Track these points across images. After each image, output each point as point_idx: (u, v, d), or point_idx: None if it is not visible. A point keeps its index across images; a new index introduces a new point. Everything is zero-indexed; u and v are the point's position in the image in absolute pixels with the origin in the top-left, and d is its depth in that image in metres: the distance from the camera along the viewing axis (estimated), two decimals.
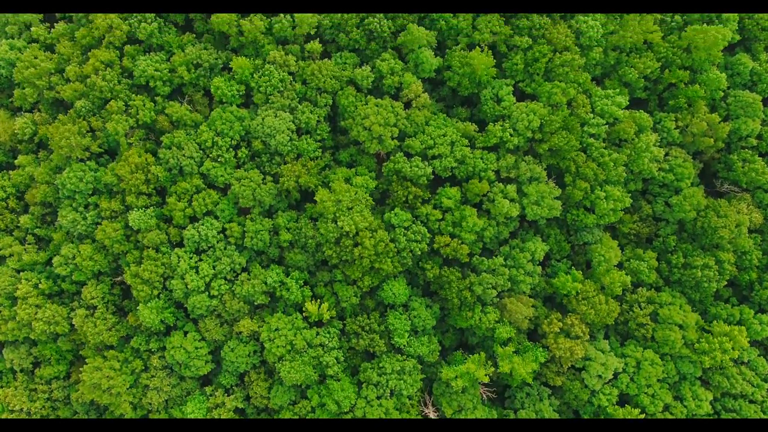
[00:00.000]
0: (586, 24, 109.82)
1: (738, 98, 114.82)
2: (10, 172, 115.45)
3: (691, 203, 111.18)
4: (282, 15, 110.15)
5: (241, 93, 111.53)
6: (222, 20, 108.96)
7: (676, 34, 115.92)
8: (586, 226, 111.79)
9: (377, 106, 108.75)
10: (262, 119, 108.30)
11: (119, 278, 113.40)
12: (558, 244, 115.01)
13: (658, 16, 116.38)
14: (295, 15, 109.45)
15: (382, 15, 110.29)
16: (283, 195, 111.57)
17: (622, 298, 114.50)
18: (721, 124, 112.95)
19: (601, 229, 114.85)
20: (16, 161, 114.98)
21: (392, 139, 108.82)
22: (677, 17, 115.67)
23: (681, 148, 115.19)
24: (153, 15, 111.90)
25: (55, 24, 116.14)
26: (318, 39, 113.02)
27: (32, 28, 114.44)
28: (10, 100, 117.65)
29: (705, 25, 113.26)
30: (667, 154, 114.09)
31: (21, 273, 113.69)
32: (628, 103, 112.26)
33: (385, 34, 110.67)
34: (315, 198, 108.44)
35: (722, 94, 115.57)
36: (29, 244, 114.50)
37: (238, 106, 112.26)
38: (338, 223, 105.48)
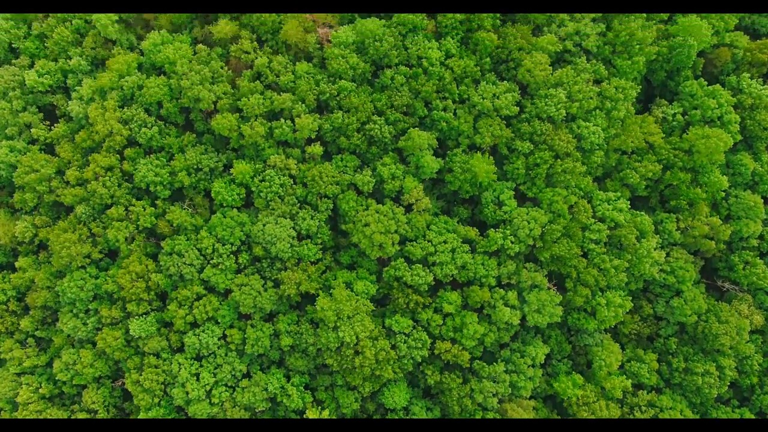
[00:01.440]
0: (588, 129, 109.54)
1: (740, 199, 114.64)
2: (11, 274, 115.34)
3: (692, 307, 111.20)
4: (283, 120, 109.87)
5: (241, 196, 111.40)
6: (222, 125, 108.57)
7: (677, 134, 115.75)
8: (587, 330, 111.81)
9: (378, 212, 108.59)
10: (263, 226, 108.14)
11: (120, 382, 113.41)
12: (559, 345, 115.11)
13: (659, 114, 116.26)
14: (296, 120, 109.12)
15: (383, 121, 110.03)
16: (283, 299, 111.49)
17: (623, 401, 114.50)
18: (722, 227, 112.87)
19: (602, 330, 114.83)
20: (16, 263, 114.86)
21: (393, 245, 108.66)
22: (678, 117, 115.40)
23: (682, 248, 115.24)
24: (153, 118, 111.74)
25: (54, 125, 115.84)
26: (319, 141, 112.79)
27: (32, 129, 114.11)
28: (11, 199, 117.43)
29: (706, 126, 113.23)
30: (668, 255, 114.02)
31: (22, 377, 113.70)
32: (629, 206, 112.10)
33: (386, 140, 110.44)
34: (316, 304, 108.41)
35: (724, 194, 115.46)
36: (29, 347, 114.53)
37: (238, 209, 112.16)
38: (339, 333, 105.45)
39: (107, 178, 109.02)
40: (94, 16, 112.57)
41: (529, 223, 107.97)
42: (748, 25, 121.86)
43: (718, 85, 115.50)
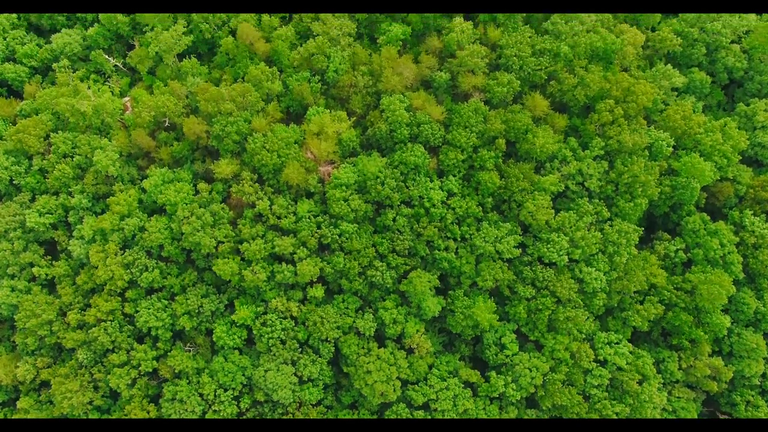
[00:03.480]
0: (590, 275, 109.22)
1: (742, 338, 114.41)
2: (13, 414, 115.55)
3: None
4: (284, 264, 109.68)
5: (243, 338, 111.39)
6: (224, 270, 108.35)
7: (679, 271, 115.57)
8: None
9: (379, 358, 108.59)
10: (265, 372, 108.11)
11: None
12: None
13: (661, 250, 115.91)
14: (298, 265, 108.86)
15: (384, 266, 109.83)
16: None
17: None
18: (725, 368, 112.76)
19: None
20: (18, 403, 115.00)
21: (394, 391, 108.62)
22: (680, 253, 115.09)
23: (684, 384, 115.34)
24: (154, 261, 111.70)
25: (55, 262, 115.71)
26: (320, 282, 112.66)
27: (33, 268, 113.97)
28: (12, 334, 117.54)
29: (709, 266, 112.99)
30: (669, 393, 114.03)
31: None
32: (630, 349, 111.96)
33: (388, 284, 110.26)
34: None
35: (726, 332, 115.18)
36: None
37: (240, 350, 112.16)
38: None
39: (108, 323, 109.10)
40: (95, 158, 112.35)
41: (530, 371, 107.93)
42: (752, 156, 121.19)
43: (721, 222, 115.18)
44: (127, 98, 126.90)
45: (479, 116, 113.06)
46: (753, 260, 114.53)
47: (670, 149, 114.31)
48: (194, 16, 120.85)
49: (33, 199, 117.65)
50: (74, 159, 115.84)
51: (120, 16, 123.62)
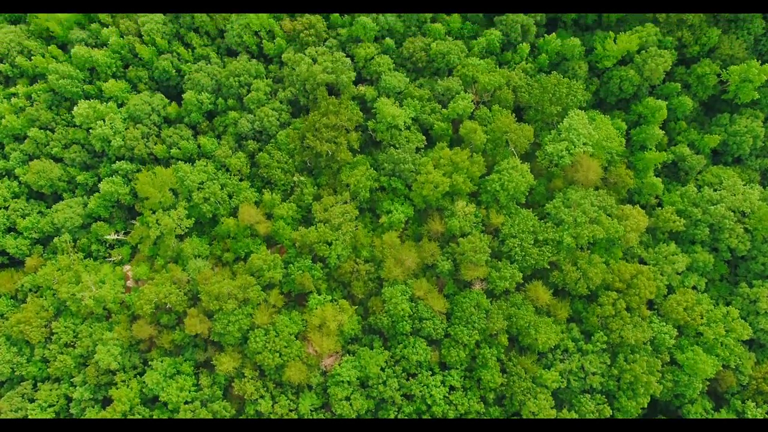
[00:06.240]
0: None
1: None
2: None
3: None
4: None
5: None
6: None
7: None
8: None
9: None
10: None
11: None
12: None
13: None
14: None
15: None
16: None
17: None
18: None
19: None
20: None
21: None
22: None
23: None
24: None
25: None
26: None
27: None
28: None
29: None
30: None
31: None
32: None
33: None
34: None
35: None
36: None
37: None
38: None
39: None
40: (97, 355, 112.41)
41: None
42: (755, 339, 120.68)
43: (723, 411, 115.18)
44: (128, 267, 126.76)
45: (481, 312, 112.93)
46: None
47: (673, 341, 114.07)
48: (194, 196, 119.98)
49: (35, 386, 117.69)
50: (76, 349, 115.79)
51: (121, 188, 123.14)
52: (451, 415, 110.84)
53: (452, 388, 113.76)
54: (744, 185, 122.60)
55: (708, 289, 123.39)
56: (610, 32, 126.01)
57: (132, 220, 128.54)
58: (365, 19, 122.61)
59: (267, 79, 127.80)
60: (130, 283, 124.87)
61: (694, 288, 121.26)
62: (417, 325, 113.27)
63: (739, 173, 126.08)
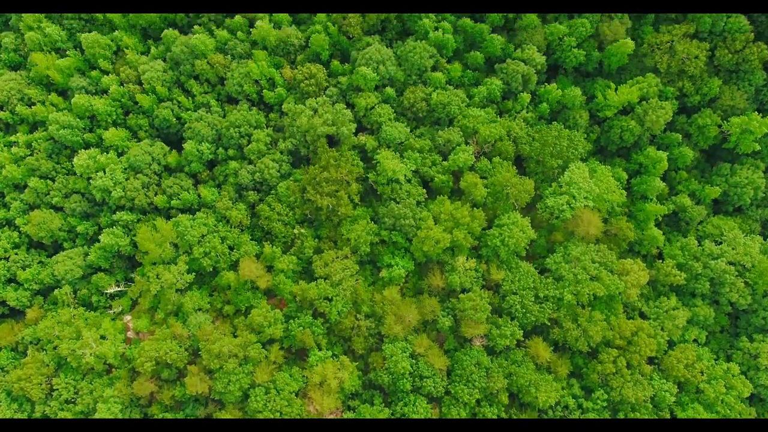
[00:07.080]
0: None
1: None
2: None
3: None
4: None
5: None
6: None
7: None
8: None
9: None
10: None
11: None
12: None
13: None
14: None
15: None
16: None
17: None
18: None
19: None
20: None
21: None
22: None
23: None
24: None
25: None
26: None
27: None
28: None
29: None
30: None
31: None
32: None
33: None
34: None
35: None
36: None
37: None
38: None
39: None
40: (98, 414, 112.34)
41: None
42: (755, 393, 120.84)
43: None
44: (128, 318, 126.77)
45: (481, 370, 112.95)
46: None
47: (673, 398, 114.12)
48: (195, 250, 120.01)
49: None
50: (77, 405, 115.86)
51: (122, 239, 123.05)
52: None
53: None
54: (745, 236, 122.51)
55: (709, 342, 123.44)
56: (611, 82, 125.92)
57: (132, 269, 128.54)
58: (365, 70, 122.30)
59: (267, 128, 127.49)
60: (130, 333, 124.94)
61: (694, 341, 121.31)
62: (417, 383, 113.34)
63: (739, 224, 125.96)
